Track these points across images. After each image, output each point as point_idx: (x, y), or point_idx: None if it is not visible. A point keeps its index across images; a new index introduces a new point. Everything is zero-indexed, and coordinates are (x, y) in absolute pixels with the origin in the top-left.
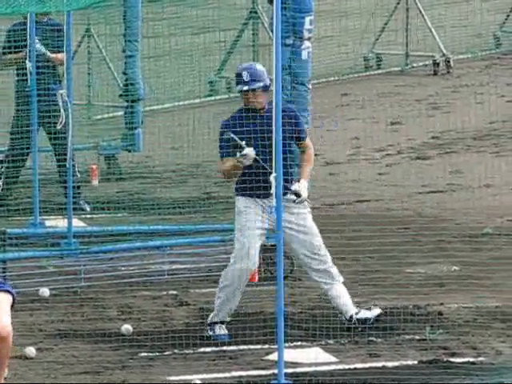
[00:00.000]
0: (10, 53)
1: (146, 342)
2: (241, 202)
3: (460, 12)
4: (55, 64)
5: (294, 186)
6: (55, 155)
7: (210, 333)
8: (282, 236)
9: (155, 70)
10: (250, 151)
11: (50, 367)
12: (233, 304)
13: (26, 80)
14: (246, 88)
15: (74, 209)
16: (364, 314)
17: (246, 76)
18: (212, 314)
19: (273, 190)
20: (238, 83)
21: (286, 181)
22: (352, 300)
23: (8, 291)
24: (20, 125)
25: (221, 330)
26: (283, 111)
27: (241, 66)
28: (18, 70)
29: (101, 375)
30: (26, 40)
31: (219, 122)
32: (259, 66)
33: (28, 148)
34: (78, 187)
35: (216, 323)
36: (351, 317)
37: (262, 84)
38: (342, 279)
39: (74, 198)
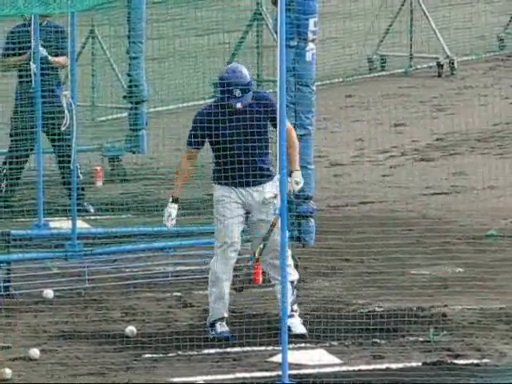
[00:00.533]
0: (14, 55)
1: (150, 343)
2: (218, 191)
3: (464, 14)
4: (57, 67)
5: (296, 179)
6: (57, 157)
7: (212, 333)
8: (286, 239)
9: (159, 71)
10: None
11: (53, 369)
12: (225, 297)
13: (29, 82)
14: (239, 106)
15: (78, 210)
16: (292, 323)
17: (237, 92)
18: (210, 315)
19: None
20: (228, 98)
21: (265, 169)
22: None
23: None
24: (21, 126)
25: (222, 328)
26: (259, 99)
27: (227, 78)
28: (20, 71)
29: (105, 376)
30: (27, 42)
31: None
32: (243, 70)
33: (29, 149)
34: (82, 189)
35: (216, 321)
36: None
37: (251, 92)
38: (291, 279)
39: (77, 199)
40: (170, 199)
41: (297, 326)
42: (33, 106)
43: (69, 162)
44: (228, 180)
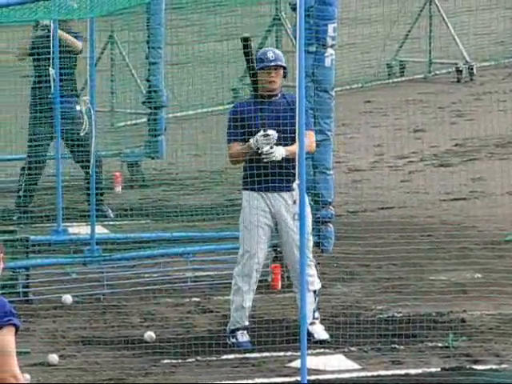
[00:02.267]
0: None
1: (169, 348)
2: (246, 197)
3: (483, 19)
4: (73, 72)
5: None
6: (78, 162)
7: (233, 340)
8: (304, 244)
9: (178, 76)
10: (273, 132)
11: (72, 374)
12: (247, 306)
13: (47, 87)
14: (273, 63)
15: (98, 216)
16: (314, 329)
17: (271, 55)
18: (230, 322)
19: (296, 198)
20: (262, 61)
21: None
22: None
23: (13, 324)
24: (39, 132)
25: (243, 337)
26: (289, 101)
27: (263, 49)
28: (36, 77)
29: (124, 382)
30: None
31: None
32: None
33: (45, 155)
34: (101, 194)
35: (237, 330)
36: None
37: (284, 64)
38: (314, 288)
39: (97, 204)
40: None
41: (319, 332)
42: (51, 111)
43: (87, 166)
44: (260, 185)
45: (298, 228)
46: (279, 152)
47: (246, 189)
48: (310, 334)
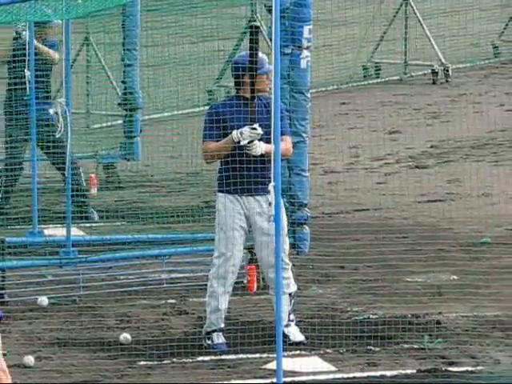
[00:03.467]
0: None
1: (145, 350)
2: (221, 200)
3: (459, 21)
4: (49, 74)
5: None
6: (53, 164)
7: (208, 342)
8: (280, 245)
9: (154, 78)
10: (247, 131)
11: (48, 376)
12: (223, 308)
13: (22, 89)
14: (272, 68)
15: (82, 218)
16: (289, 331)
17: (264, 61)
18: (206, 324)
19: (271, 199)
20: (263, 65)
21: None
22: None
23: None
24: (15, 134)
25: (219, 339)
26: (265, 103)
27: (261, 55)
28: (11, 78)
29: None
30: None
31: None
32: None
33: (22, 157)
34: (84, 196)
35: (213, 331)
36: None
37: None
38: (290, 290)
39: (81, 206)
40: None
41: (295, 333)
42: (26, 113)
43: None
44: (236, 187)
45: (273, 231)
46: (261, 147)
47: (221, 191)
48: (285, 336)
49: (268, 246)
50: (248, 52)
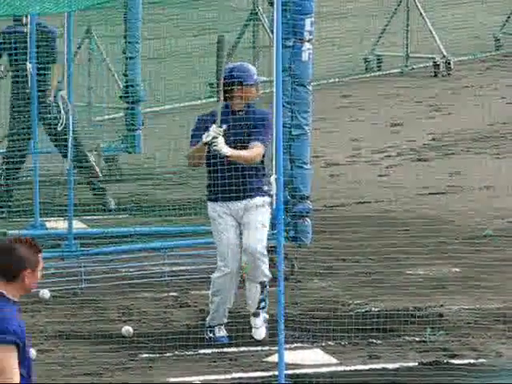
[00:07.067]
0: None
1: (147, 343)
2: (211, 208)
3: (460, 14)
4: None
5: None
6: (64, 156)
7: (210, 335)
8: (282, 238)
9: (156, 71)
10: (212, 128)
11: (50, 369)
12: (227, 305)
13: (25, 82)
14: (264, 78)
15: (99, 207)
16: (255, 323)
17: (253, 72)
18: (209, 317)
19: (273, 192)
20: (251, 76)
21: (255, 183)
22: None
23: (7, 342)
24: (18, 126)
25: (220, 332)
26: (258, 114)
27: (242, 64)
28: (15, 71)
29: (101, 377)
30: (23, 42)
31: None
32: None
33: (25, 149)
34: (101, 184)
35: (215, 325)
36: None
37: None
38: (261, 279)
39: (99, 194)
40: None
41: (258, 329)
42: (28, 106)
43: (80, 161)
44: (224, 194)
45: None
46: (222, 144)
47: (210, 199)
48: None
49: (253, 236)
50: (238, 63)
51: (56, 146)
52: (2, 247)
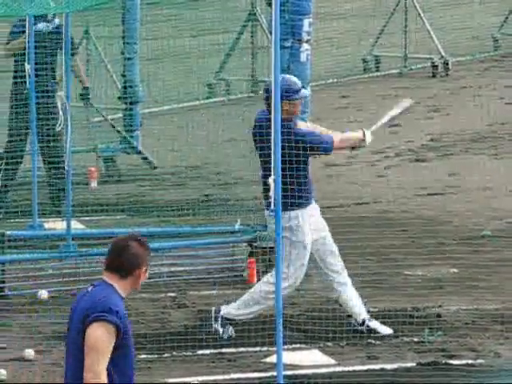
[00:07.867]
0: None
1: (145, 344)
2: (297, 215)
3: (459, 14)
4: (54, 66)
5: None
6: (46, 157)
7: (219, 328)
8: (280, 238)
9: (154, 72)
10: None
11: (48, 369)
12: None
13: (23, 82)
14: (309, 92)
15: (58, 212)
16: (375, 324)
17: (299, 85)
18: (234, 313)
19: (271, 193)
20: (297, 91)
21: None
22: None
23: (108, 321)
24: (17, 127)
25: (231, 332)
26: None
27: (289, 77)
28: (15, 71)
29: None
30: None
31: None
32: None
33: (23, 150)
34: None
35: (232, 321)
36: (363, 321)
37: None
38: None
39: (58, 200)
40: None
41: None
42: (27, 106)
43: (58, 163)
44: (308, 199)
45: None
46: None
47: (300, 206)
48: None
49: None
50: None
51: (41, 147)
52: (119, 245)
